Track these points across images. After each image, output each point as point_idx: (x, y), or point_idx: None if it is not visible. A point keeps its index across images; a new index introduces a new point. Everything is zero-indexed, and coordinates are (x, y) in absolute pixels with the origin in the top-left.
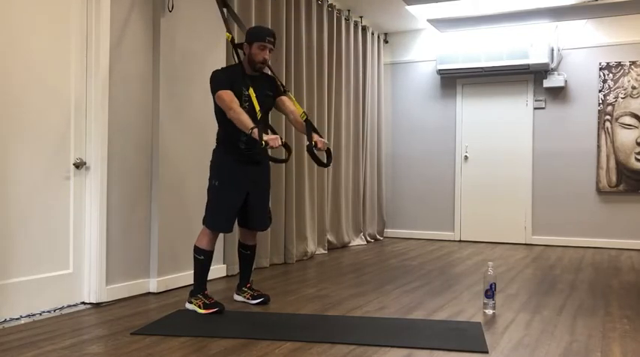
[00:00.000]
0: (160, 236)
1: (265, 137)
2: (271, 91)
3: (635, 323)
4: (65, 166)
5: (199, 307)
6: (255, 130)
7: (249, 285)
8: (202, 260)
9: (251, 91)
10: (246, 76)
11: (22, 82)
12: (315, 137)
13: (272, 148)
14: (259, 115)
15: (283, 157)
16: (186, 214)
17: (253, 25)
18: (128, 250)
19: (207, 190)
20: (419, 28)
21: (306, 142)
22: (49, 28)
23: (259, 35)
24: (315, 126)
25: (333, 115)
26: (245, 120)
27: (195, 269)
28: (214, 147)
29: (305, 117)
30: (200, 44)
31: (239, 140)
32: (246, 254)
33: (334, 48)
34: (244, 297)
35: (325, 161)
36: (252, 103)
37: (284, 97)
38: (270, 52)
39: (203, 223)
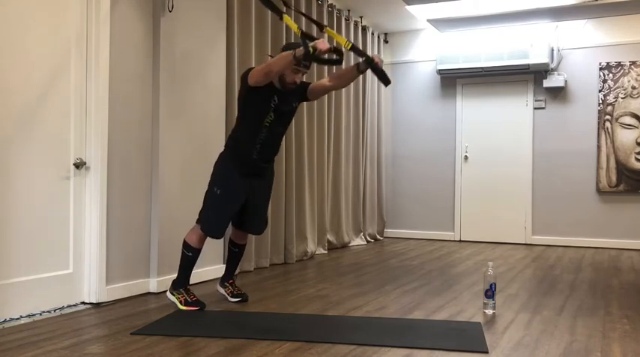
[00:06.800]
0: (159, 236)
1: (311, 43)
2: (297, 100)
3: (635, 323)
4: (65, 166)
5: (181, 302)
6: (300, 49)
7: (231, 281)
8: (190, 257)
9: (287, 18)
10: (275, 88)
11: (22, 83)
12: (371, 54)
13: (322, 51)
14: (299, 33)
15: (335, 57)
16: (186, 214)
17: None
18: (128, 250)
19: (206, 193)
20: (419, 28)
21: (361, 62)
22: (49, 28)
23: None
24: (316, 126)
25: (333, 115)
26: (283, 54)
27: (181, 263)
28: (222, 151)
29: (350, 45)
30: (200, 44)
31: (253, 147)
32: (235, 252)
33: None
34: (225, 292)
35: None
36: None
37: (311, 85)
38: (303, 75)
39: (197, 223)
